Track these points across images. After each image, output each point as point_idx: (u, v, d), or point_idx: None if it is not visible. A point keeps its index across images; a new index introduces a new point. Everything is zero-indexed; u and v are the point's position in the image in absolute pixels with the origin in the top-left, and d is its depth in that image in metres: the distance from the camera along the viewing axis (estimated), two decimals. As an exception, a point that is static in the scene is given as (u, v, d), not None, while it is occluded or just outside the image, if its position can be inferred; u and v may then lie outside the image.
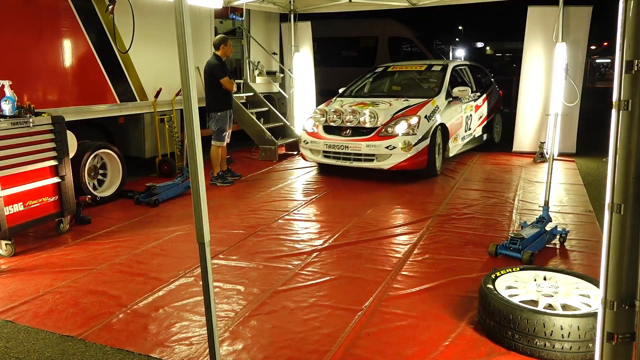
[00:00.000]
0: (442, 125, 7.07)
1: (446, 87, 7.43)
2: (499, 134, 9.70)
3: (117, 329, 3.08)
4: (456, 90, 7.42)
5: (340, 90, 8.33)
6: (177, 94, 7.20)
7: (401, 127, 6.52)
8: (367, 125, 6.65)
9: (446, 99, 7.31)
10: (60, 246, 4.55)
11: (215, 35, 8.19)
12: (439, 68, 7.93)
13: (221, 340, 2.91)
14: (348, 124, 6.78)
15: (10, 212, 4.28)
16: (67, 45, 5.89)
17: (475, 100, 8.16)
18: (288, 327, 3.06)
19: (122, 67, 6.55)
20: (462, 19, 32.92)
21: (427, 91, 7.64)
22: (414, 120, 6.60)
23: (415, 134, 6.48)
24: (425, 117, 6.70)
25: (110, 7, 6.05)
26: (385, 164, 6.51)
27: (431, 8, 9.55)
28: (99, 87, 6.30)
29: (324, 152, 6.96)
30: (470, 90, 7.70)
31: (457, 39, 33.88)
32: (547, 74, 8.16)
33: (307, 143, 7.19)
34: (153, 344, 2.90)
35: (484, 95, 8.69)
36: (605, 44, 33.70)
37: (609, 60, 34.55)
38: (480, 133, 8.66)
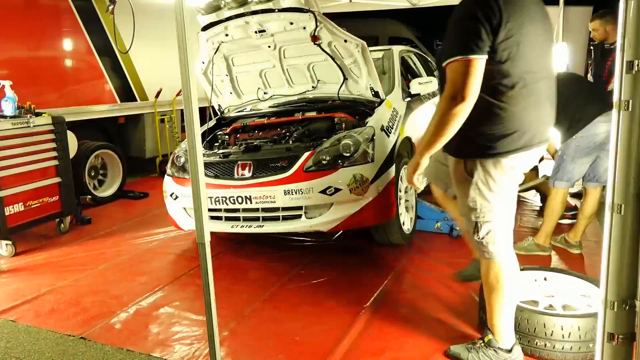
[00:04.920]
0: (408, 139, 4.37)
1: (399, 80, 4.84)
2: None
3: (118, 329, 3.09)
4: (415, 84, 4.72)
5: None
6: (178, 94, 7.20)
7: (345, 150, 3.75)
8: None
9: (403, 98, 4.67)
10: (61, 246, 4.56)
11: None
12: (379, 55, 5.18)
13: (221, 339, 2.91)
14: (245, 160, 3.88)
15: (11, 212, 4.29)
16: (67, 45, 5.89)
17: (433, 97, 5.26)
18: (288, 327, 3.07)
19: (123, 68, 6.56)
20: (462, 19, 32.87)
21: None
22: (366, 134, 3.85)
23: (371, 161, 3.74)
24: (382, 128, 3.96)
25: (110, 7, 6.03)
26: (324, 222, 3.71)
27: (431, 8, 9.54)
28: (100, 88, 6.31)
29: (209, 210, 3.70)
30: (434, 81, 4.78)
31: (457, 39, 33.82)
32: (547, 74, 8.15)
33: (176, 197, 4.11)
34: (154, 344, 2.91)
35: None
36: (605, 44, 33.67)
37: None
38: None
